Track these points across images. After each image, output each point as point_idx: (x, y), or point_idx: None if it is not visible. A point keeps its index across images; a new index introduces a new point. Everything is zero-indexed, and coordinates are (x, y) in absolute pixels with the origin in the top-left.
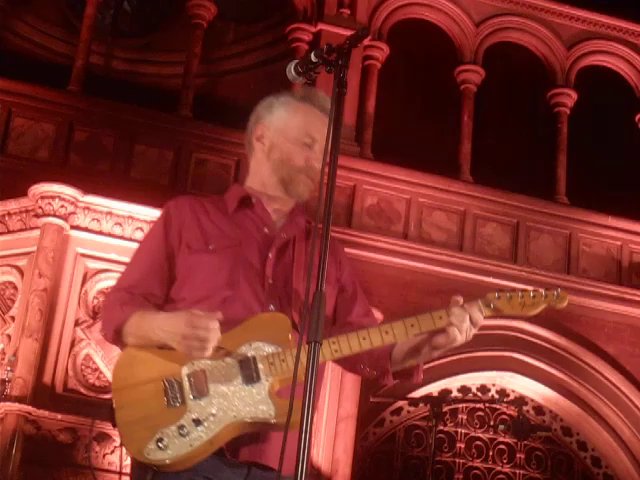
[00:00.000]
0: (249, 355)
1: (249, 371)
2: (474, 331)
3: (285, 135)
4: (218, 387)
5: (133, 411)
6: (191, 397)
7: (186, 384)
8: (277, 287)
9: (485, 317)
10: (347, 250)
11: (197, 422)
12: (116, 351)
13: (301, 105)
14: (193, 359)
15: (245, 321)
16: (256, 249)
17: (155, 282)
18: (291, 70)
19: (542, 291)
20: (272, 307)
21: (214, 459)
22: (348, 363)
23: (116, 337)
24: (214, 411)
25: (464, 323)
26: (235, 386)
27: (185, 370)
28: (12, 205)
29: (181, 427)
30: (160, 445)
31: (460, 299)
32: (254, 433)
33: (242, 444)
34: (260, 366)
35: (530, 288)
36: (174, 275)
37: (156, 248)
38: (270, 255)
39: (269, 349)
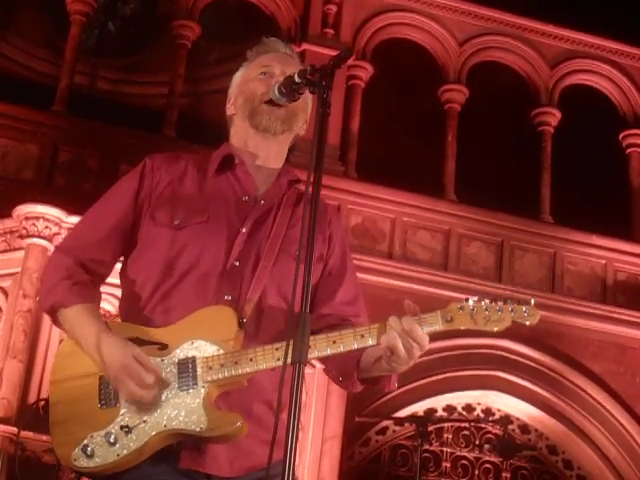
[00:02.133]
0: (189, 356)
1: (186, 375)
2: (417, 351)
3: (244, 81)
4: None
5: (66, 409)
6: (125, 399)
7: None
8: (241, 270)
9: (442, 330)
10: None
11: (127, 429)
12: None
13: (256, 59)
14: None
15: (192, 313)
16: (227, 224)
17: (111, 248)
18: (275, 91)
19: (509, 307)
20: (228, 297)
21: (163, 464)
22: (324, 362)
23: (50, 313)
24: (145, 417)
25: (397, 341)
26: (170, 390)
27: None
28: None
29: (109, 434)
30: (86, 452)
31: (409, 307)
32: (191, 441)
33: (184, 450)
34: (198, 370)
35: (497, 302)
36: (134, 240)
37: (121, 208)
38: (243, 229)
39: (210, 350)
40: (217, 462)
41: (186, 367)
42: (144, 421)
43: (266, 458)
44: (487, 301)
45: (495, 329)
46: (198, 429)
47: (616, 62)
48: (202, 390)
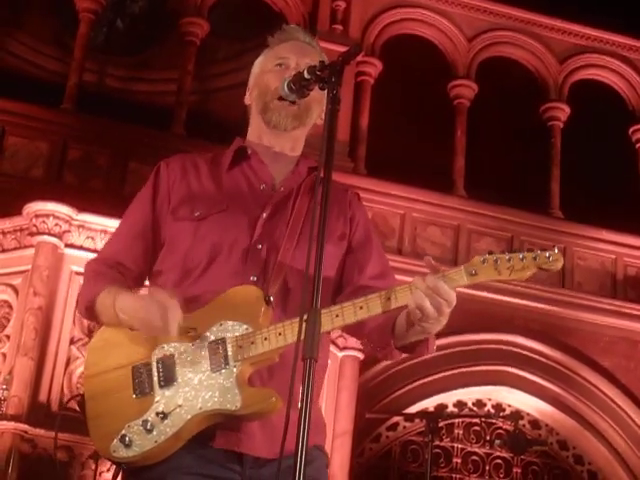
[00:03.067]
0: (218, 337)
1: (217, 356)
2: (446, 308)
3: (261, 71)
4: (186, 374)
5: (101, 402)
6: (159, 385)
7: (155, 371)
8: (265, 253)
9: (467, 285)
10: None
11: (162, 415)
12: None
13: (275, 47)
14: (163, 342)
15: (218, 296)
16: (246, 211)
17: (134, 254)
18: (284, 87)
19: (532, 253)
20: (253, 278)
21: (193, 452)
22: (355, 333)
23: (90, 314)
24: (180, 402)
25: (424, 300)
26: (203, 373)
27: (155, 355)
28: (6, 224)
29: (145, 422)
30: (124, 442)
31: (430, 265)
32: (227, 421)
33: (217, 431)
34: (229, 350)
35: (520, 252)
36: (161, 243)
37: (141, 216)
38: (264, 214)
39: (239, 329)
40: (253, 442)
41: (217, 348)
42: (179, 406)
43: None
44: (509, 252)
45: (520, 278)
46: (233, 407)
47: (625, 57)
48: (234, 369)
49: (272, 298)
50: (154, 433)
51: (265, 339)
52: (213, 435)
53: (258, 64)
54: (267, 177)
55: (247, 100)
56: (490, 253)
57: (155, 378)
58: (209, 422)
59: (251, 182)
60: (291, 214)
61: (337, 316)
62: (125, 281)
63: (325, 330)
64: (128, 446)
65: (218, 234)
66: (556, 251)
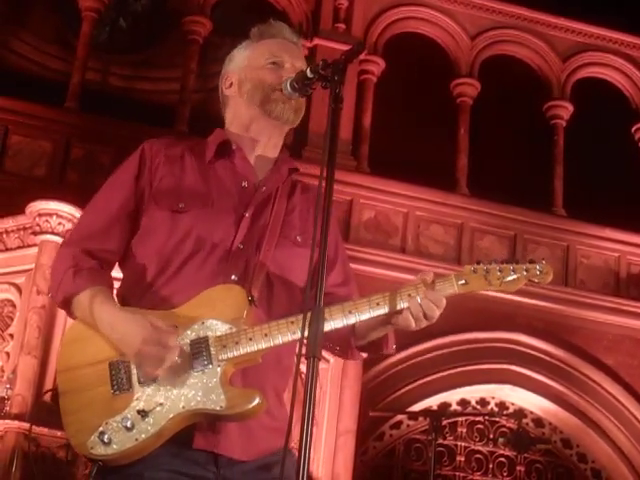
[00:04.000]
0: (201, 336)
1: (200, 355)
2: (436, 313)
3: (251, 66)
4: (167, 372)
5: (76, 398)
6: (138, 382)
7: (133, 367)
8: (246, 253)
9: (457, 294)
10: None
11: (143, 413)
12: None
13: (261, 41)
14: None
15: (200, 294)
16: (231, 207)
17: (115, 235)
18: (287, 86)
19: (523, 265)
20: (234, 277)
21: (170, 450)
22: None
23: (64, 306)
24: (162, 400)
25: (417, 315)
26: (185, 371)
27: None
28: (10, 223)
29: (125, 419)
30: (103, 439)
31: (428, 277)
32: (206, 421)
33: (196, 431)
34: (212, 349)
35: (510, 263)
36: (137, 226)
37: (122, 195)
38: (247, 214)
39: (222, 328)
40: (230, 443)
41: (199, 347)
42: (160, 404)
43: (275, 443)
44: (500, 262)
45: (510, 289)
46: (218, 407)
47: (628, 55)
48: (218, 369)
49: (254, 297)
50: (134, 431)
51: (250, 339)
52: (191, 435)
53: (244, 57)
54: (250, 175)
55: (228, 91)
56: (478, 263)
57: (134, 375)
58: (190, 421)
59: (234, 177)
60: (270, 215)
61: (350, 312)
62: (105, 278)
63: (335, 327)
64: (107, 444)
65: (201, 230)
66: (544, 263)
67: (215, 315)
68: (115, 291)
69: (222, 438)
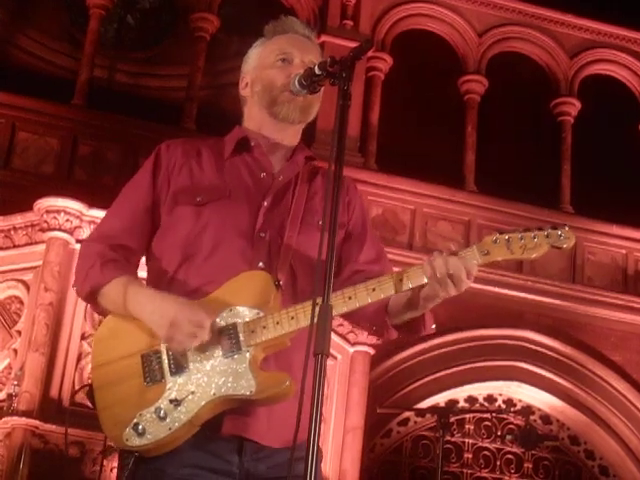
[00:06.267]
0: (229, 323)
1: (229, 341)
2: (466, 282)
3: (262, 65)
4: (197, 361)
5: (111, 392)
6: (170, 373)
7: (165, 358)
8: (269, 240)
9: (482, 264)
10: None
11: (175, 402)
12: None
13: (273, 38)
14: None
15: (227, 282)
16: (248, 198)
17: (136, 234)
18: (295, 83)
19: (544, 231)
20: (261, 264)
21: (192, 444)
22: (352, 317)
23: (91, 298)
24: (193, 389)
25: (442, 277)
26: (215, 359)
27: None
28: (17, 220)
29: (158, 409)
30: (138, 430)
31: (452, 246)
32: (237, 407)
33: (225, 417)
34: (240, 335)
35: (532, 230)
36: (157, 224)
37: (141, 195)
38: (265, 203)
39: (250, 314)
40: (259, 429)
41: (228, 334)
42: (192, 392)
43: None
44: (521, 231)
45: (533, 255)
46: (248, 392)
47: (636, 51)
48: (247, 354)
49: (281, 282)
50: (167, 420)
51: (277, 323)
52: (220, 422)
53: (256, 56)
54: (268, 166)
55: (244, 92)
56: (501, 233)
57: (165, 365)
58: (222, 408)
59: (252, 170)
60: (291, 202)
61: (350, 298)
62: (132, 270)
63: (339, 313)
64: (141, 434)
65: (221, 221)
66: (567, 228)
67: (243, 302)
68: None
69: (251, 422)
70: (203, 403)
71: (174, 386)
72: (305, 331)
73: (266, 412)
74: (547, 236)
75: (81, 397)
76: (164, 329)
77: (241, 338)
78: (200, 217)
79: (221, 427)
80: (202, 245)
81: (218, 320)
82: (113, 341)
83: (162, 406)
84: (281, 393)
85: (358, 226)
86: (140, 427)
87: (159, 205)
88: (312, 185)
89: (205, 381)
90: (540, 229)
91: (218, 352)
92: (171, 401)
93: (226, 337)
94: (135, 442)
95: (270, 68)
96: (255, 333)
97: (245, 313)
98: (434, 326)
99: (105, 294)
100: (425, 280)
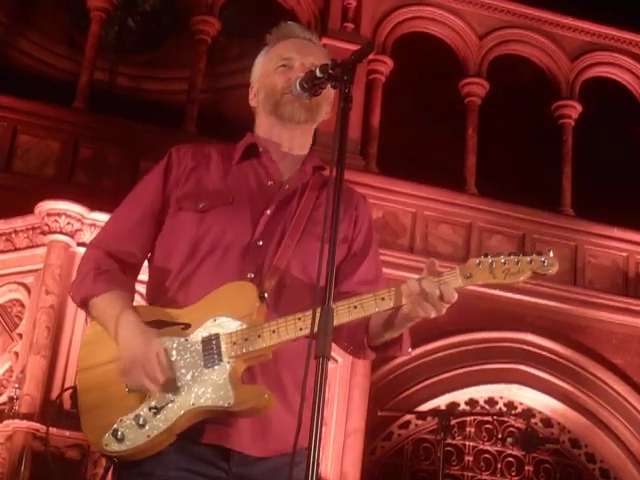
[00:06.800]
0: (212, 333)
1: (211, 352)
2: (442, 304)
3: (265, 73)
4: (179, 369)
5: (94, 396)
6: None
7: None
8: (265, 249)
9: (462, 287)
10: None
11: (155, 410)
12: None
13: (275, 46)
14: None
15: (213, 291)
16: (251, 206)
17: (140, 238)
18: (296, 86)
19: (528, 257)
20: (250, 275)
21: (179, 448)
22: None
23: (82, 306)
24: (173, 397)
25: (420, 301)
26: (196, 369)
27: None
28: (18, 223)
29: (138, 417)
30: (117, 436)
31: (433, 264)
32: (218, 417)
33: (207, 426)
34: (222, 346)
35: (515, 255)
36: (161, 230)
37: (150, 198)
38: (268, 211)
39: (233, 325)
40: (242, 438)
41: (210, 344)
42: (172, 401)
43: (290, 441)
44: (505, 255)
45: (515, 281)
46: (226, 404)
47: (636, 54)
48: (227, 366)
49: (266, 294)
50: (146, 428)
51: (259, 336)
52: (202, 430)
53: (260, 65)
54: (275, 174)
55: (252, 102)
56: (485, 256)
57: None
58: (200, 417)
59: (259, 177)
60: (295, 212)
61: (355, 307)
62: (124, 282)
63: (342, 322)
64: (120, 440)
65: (220, 228)
66: (551, 254)
67: (226, 312)
68: (145, 290)
69: (233, 433)
70: (182, 412)
71: (154, 394)
72: (295, 343)
73: (250, 422)
74: (530, 262)
75: (66, 398)
76: (125, 361)
77: (223, 349)
78: (201, 224)
79: (202, 436)
80: (196, 253)
81: (201, 329)
82: (99, 345)
83: (142, 413)
84: (260, 405)
85: (360, 245)
86: (119, 433)
87: (166, 209)
88: (319, 196)
89: (185, 390)
90: (524, 254)
91: (200, 362)
92: (150, 409)
93: (208, 347)
94: (114, 447)
95: (272, 75)
96: (237, 345)
97: (229, 324)
98: (410, 349)
99: (94, 306)
100: (404, 301)
